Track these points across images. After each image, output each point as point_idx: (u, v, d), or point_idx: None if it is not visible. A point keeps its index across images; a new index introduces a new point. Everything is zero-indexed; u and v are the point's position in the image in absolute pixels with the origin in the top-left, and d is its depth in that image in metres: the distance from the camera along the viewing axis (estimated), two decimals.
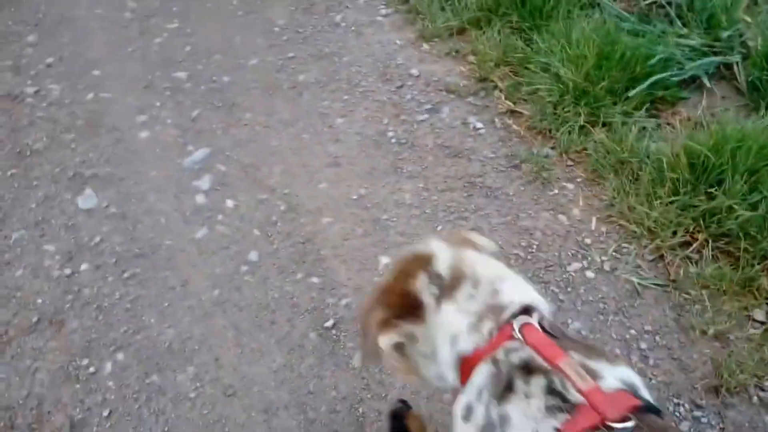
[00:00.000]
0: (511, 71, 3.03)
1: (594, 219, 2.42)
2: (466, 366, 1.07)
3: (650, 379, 1.97)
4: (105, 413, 1.79)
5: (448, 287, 1.11)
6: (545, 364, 0.96)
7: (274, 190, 2.45)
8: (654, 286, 2.21)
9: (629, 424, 0.87)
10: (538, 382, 0.96)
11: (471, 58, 3.13)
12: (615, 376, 0.98)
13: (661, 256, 2.29)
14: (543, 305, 1.10)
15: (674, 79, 2.75)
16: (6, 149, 2.51)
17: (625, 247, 2.33)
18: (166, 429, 1.78)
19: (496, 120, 2.82)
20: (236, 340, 2.00)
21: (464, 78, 3.02)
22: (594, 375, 0.96)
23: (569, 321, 2.11)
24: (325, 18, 3.38)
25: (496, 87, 2.99)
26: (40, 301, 2.03)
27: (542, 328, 1.04)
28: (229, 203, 2.40)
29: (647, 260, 2.28)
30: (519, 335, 1.01)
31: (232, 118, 2.75)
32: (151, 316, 2.03)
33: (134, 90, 2.82)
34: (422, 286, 1.11)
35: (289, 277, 2.17)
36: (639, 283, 2.21)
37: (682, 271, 2.22)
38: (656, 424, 0.91)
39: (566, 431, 0.89)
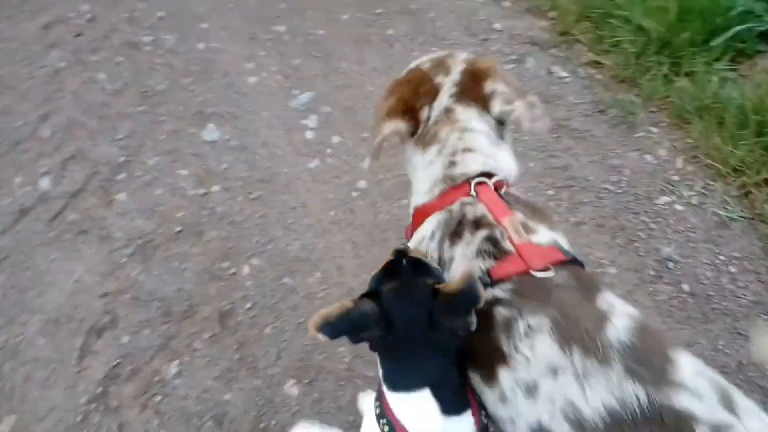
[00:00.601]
0: (592, 25, 3.16)
1: (680, 159, 2.56)
2: (421, 214, 1.22)
3: (740, 297, 2.12)
4: (248, 306, 2.02)
5: (426, 138, 1.24)
6: (493, 221, 1.10)
7: None
8: (741, 219, 2.34)
9: (550, 273, 1.01)
10: (481, 233, 1.10)
11: (551, 14, 3.27)
12: (550, 236, 1.12)
13: (747, 193, 2.42)
14: (507, 173, 1.21)
15: (754, 30, 2.85)
16: (132, 90, 2.76)
17: (711, 184, 2.46)
18: (301, 321, 2.00)
19: (580, 70, 2.96)
20: (354, 252, 2.21)
21: (546, 32, 3.17)
22: (530, 231, 1.10)
23: (661, 247, 2.26)
24: None
25: (577, 40, 3.13)
26: (179, 215, 2.27)
27: (497, 191, 1.16)
28: (335, 139, 2.61)
29: (733, 196, 2.41)
30: (474, 192, 1.15)
31: (329, 67, 2.96)
32: (277, 231, 2.25)
33: (240, 41, 3.05)
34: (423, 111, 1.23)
35: (395, 202, 2.37)
36: (726, 216, 2.35)
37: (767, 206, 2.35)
38: (580, 272, 1.05)
39: (493, 273, 1.04)
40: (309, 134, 2.62)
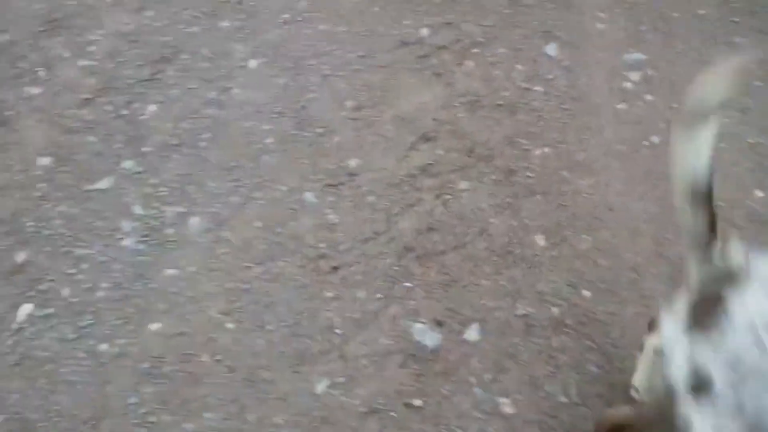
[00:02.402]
0: None
1: None
2: None
3: None
4: (527, 174, 2.57)
5: None
6: None
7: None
8: None
9: None
10: None
11: None
12: None
13: None
14: None
15: None
16: None
17: None
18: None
19: None
20: (624, 183, 2.62)
21: None
22: None
23: None
24: None
25: None
26: (504, 93, 2.89)
27: None
28: (648, 97, 2.99)
29: None
30: None
31: (668, 43, 3.30)
32: (571, 137, 2.76)
33: None
34: None
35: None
36: None
37: None
38: None
39: None
40: (627, 84, 3.04)
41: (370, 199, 2.43)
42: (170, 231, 2.18)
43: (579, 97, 2.95)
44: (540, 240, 2.39)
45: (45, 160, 2.32)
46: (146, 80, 2.63)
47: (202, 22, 2.91)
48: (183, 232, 2.19)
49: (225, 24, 2.95)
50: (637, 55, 3.21)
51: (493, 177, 2.58)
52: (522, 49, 3.14)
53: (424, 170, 2.57)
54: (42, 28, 2.79)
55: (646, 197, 2.61)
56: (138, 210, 2.22)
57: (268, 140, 2.55)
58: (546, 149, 2.72)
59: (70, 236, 2.11)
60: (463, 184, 2.54)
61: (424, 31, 3.16)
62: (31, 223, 2.13)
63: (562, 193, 2.57)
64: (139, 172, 2.32)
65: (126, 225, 2.18)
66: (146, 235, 2.16)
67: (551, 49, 3.16)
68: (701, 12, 3.56)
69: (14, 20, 2.81)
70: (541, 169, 2.64)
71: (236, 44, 2.88)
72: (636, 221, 2.54)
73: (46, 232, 2.12)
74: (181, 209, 2.25)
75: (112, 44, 2.74)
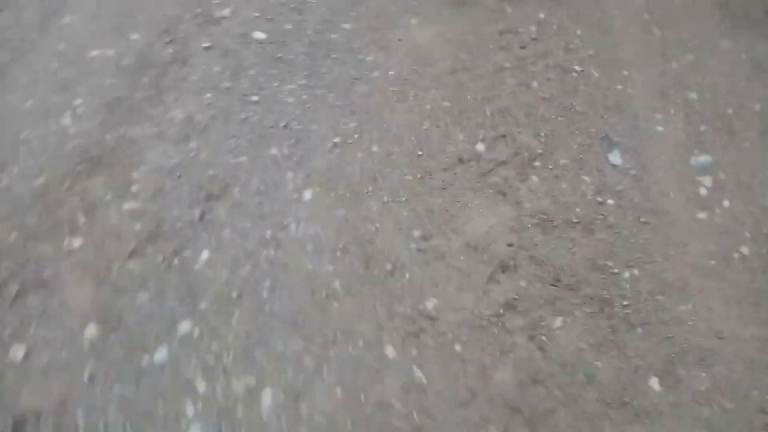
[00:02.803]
0: None
1: None
2: None
3: None
4: (624, 303, 2.32)
5: None
6: None
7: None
8: None
9: None
10: None
11: None
12: None
13: None
14: None
15: None
16: (556, 103, 3.27)
17: None
18: (669, 336, 2.22)
19: None
20: (724, 302, 2.37)
21: None
22: None
23: None
24: None
25: None
26: (577, 210, 2.72)
27: None
28: (725, 203, 2.79)
29: None
30: None
31: (732, 142, 3.14)
32: (657, 256, 2.54)
33: (652, 93, 3.40)
34: None
35: None
36: None
37: None
38: None
39: None
40: (702, 190, 2.84)
41: (458, 348, 2.15)
42: (240, 412, 1.88)
43: (655, 208, 2.74)
44: (654, 384, 2.10)
45: (92, 330, 2.05)
46: (196, 222, 2.41)
47: (250, 151, 2.74)
48: (255, 412, 1.89)
49: (273, 151, 2.77)
50: (704, 158, 3.04)
51: (586, 309, 2.32)
52: (584, 158, 2.97)
53: (510, 306, 2.31)
54: (80, 168, 2.60)
55: (752, 320, 2.35)
56: (201, 386, 1.93)
57: (335, 284, 2.30)
58: (635, 271, 2.48)
59: (128, 430, 1.80)
60: (556, 321, 2.27)
61: (480, 147, 2.99)
62: (82, 414, 1.82)
63: (663, 322, 2.31)
64: (198, 336, 2.04)
65: (189, 407, 1.88)
66: (214, 420, 1.85)
67: (615, 156, 2.98)
68: (756, 108, 3.43)
69: (49, 161, 2.62)
70: (634, 295, 2.39)
71: (287, 173, 2.69)
72: (750, 350, 2.26)
73: (100, 426, 1.81)
74: (249, 380, 1.96)
75: (157, 181, 2.54)
